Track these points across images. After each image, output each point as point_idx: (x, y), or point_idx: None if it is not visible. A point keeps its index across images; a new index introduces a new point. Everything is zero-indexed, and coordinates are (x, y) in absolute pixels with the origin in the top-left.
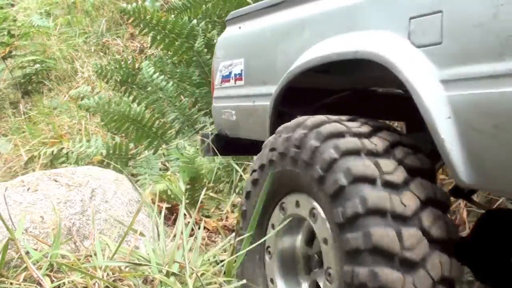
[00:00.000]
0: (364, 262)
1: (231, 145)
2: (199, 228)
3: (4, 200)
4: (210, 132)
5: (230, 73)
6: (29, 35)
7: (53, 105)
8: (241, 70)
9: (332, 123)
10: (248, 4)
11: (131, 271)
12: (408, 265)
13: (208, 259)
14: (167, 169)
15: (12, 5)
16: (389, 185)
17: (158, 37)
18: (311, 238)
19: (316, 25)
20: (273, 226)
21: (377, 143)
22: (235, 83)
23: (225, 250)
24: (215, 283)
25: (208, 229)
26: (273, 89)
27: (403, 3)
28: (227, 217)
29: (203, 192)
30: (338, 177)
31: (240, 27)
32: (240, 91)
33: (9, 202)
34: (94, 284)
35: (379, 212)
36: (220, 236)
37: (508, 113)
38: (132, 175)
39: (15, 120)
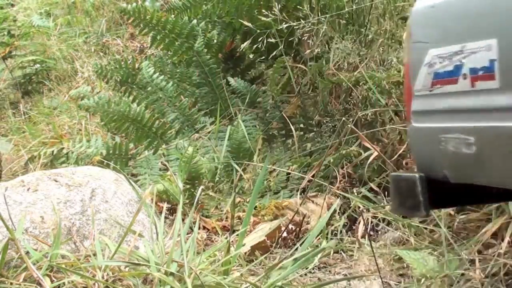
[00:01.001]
0: None
1: (450, 195)
2: (199, 228)
3: (4, 200)
4: (416, 175)
5: (459, 67)
6: (29, 35)
7: (53, 105)
8: (492, 61)
9: None
10: (248, 5)
11: (130, 271)
12: None
13: (207, 258)
14: (167, 169)
15: (12, 5)
16: None
17: (158, 37)
18: None
19: None
20: None
21: None
22: (472, 86)
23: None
24: (214, 281)
25: (208, 229)
26: None
27: None
28: (226, 217)
29: (199, 191)
30: None
31: None
32: (489, 100)
33: (9, 202)
34: (94, 284)
35: None
36: (219, 236)
37: None
38: (132, 175)
39: (15, 120)
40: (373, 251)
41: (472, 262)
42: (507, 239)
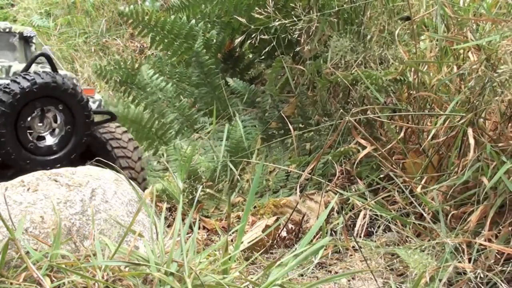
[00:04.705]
0: None
1: None
2: (199, 228)
3: (4, 200)
4: None
5: None
6: None
7: None
8: None
9: None
10: (247, 4)
11: (130, 271)
12: None
13: (206, 258)
14: (167, 169)
15: (12, 5)
16: None
17: (157, 38)
18: None
19: None
20: None
21: None
22: None
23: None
24: (213, 281)
25: (208, 229)
26: None
27: None
28: (226, 217)
29: (199, 191)
30: None
31: None
32: None
33: (9, 202)
34: (94, 284)
35: None
36: (219, 235)
37: None
38: None
39: None
40: (361, 251)
41: (459, 252)
42: (488, 224)
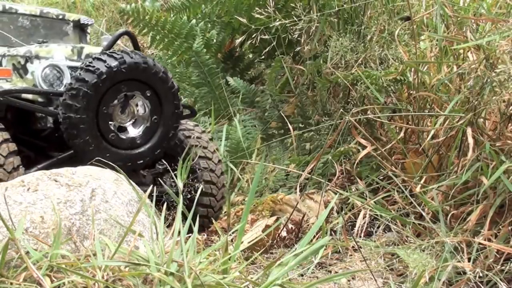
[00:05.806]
0: None
1: None
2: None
3: (4, 200)
4: None
5: None
6: None
7: None
8: None
9: None
10: (247, 4)
11: (130, 271)
12: None
13: (206, 258)
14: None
15: None
16: None
17: (157, 37)
18: None
19: None
20: None
21: None
22: None
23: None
24: (213, 281)
25: (208, 229)
26: None
27: None
28: (225, 217)
29: (199, 191)
30: None
31: None
32: None
33: (9, 202)
34: (94, 284)
35: None
36: (219, 236)
37: None
38: None
39: None
40: (361, 251)
41: (459, 251)
42: (487, 223)
